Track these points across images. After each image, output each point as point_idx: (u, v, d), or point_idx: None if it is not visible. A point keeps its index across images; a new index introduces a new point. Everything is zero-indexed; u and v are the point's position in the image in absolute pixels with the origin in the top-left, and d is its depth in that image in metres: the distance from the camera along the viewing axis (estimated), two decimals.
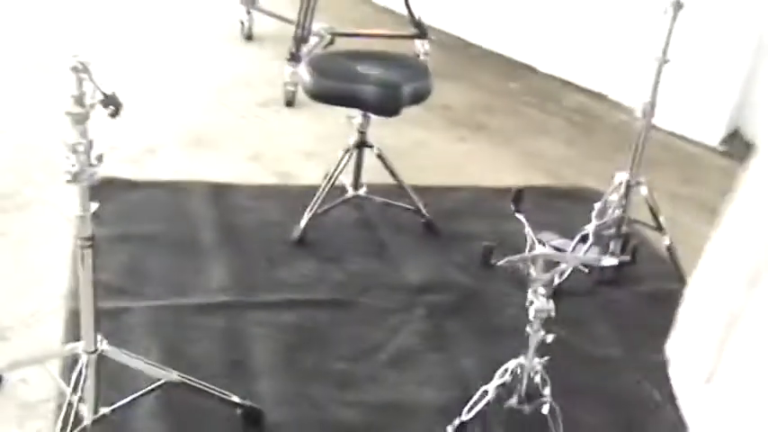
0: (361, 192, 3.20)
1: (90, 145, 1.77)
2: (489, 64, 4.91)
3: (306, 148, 3.74)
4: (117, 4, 5.06)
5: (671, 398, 2.42)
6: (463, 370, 2.52)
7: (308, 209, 3.05)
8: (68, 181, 1.79)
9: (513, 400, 2.26)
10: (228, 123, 3.93)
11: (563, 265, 2.16)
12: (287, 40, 4.15)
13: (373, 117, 3.07)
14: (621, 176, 2.90)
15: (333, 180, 3.09)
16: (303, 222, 3.04)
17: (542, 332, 2.18)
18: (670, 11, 2.66)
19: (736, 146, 4.23)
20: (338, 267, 2.95)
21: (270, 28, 4.69)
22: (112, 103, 1.76)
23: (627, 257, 2.15)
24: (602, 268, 2.83)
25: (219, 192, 3.31)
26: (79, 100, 1.72)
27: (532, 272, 2.15)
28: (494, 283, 2.93)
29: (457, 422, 2.26)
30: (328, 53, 3.14)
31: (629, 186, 2.89)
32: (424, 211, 3.20)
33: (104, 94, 1.75)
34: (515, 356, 2.58)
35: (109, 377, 2.10)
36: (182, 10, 5.10)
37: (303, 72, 2.98)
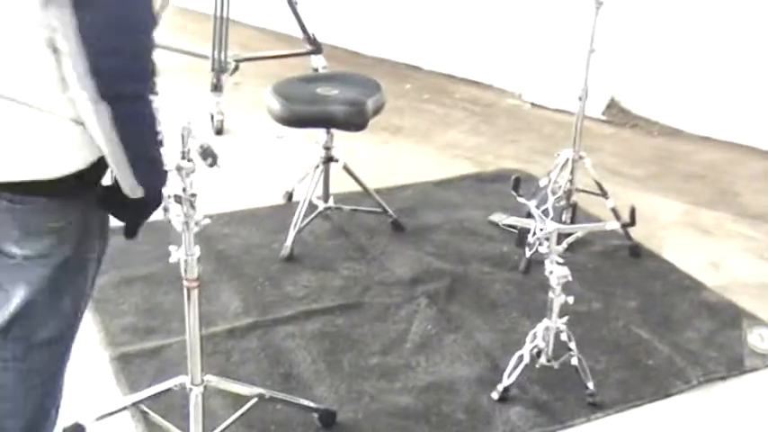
0: (330, 203, 3.45)
1: (195, 195, 1.95)
2: (379, 69, 5.23)
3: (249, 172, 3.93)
4: None
5: (658, 335, 2.86)
6: (480, 344, 2.85)
7: (293, 226, 3.27)
8: (181, 230, 1.97)
9: (543, 359, 2.61)
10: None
11: (573, 236, 2.52)
12: (197, 72, 4.31)
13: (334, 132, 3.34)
14: (566, 153, 3.31)
15: (309, 197, 3.33)
16: (289, 240, 3.25)
17: (563, 296, 2.54)
18: (594, 7, 3.09)
19: (615, 114, 4.79)
20: (333, 275, 3.19)
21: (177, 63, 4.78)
22: (210, 155, 1.96)
23: (627, 220, 2.53)
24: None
25: None
26: (186, 155, 1.91)
27: (548, 245, 2.50)
28: (472, 266, 3.29)
29: (501, 387, 2.59)
30: (286, 80, 3.35)
31: (573, 161, 3.31)
32: (390, 211, 3.49)
33: (203, 147, 1.94)
34: (517, 323, 2.95)
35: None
36: None
37: (270, 100, 3.19)
